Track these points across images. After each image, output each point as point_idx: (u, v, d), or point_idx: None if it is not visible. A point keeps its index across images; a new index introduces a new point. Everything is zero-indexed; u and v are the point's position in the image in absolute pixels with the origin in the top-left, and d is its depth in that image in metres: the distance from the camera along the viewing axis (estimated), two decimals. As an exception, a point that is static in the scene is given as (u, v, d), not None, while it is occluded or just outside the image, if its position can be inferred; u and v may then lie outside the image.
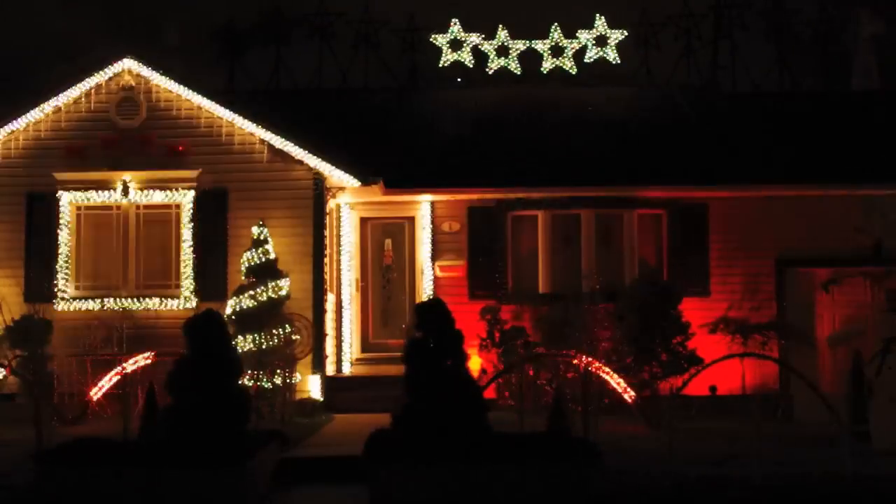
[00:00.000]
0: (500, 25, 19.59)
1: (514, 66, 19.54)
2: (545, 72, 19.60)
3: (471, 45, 19.52)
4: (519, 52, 19.50)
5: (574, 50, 19.60)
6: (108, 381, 12.56)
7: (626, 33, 19.66)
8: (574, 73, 19.58)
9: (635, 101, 19.14)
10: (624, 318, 14.24)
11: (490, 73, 19.44)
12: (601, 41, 19.52)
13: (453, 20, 19.58)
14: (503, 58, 19.48)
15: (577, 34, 19.58)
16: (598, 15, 19.57)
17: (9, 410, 12.99)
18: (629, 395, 12.62)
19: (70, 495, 8.62)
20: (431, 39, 19.85)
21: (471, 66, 19.48)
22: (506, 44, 19.68)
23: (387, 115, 18.38)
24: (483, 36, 19.64)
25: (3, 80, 26.23)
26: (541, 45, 19.65)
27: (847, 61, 20.04)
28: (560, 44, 19.71)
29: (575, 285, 14.95)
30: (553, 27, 19.58)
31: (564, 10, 20.94)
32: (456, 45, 19.60)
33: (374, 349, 15.97)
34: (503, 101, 18.86)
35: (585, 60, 19.58)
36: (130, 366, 12.28)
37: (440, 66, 19.61)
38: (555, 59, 19.72)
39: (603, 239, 15.65)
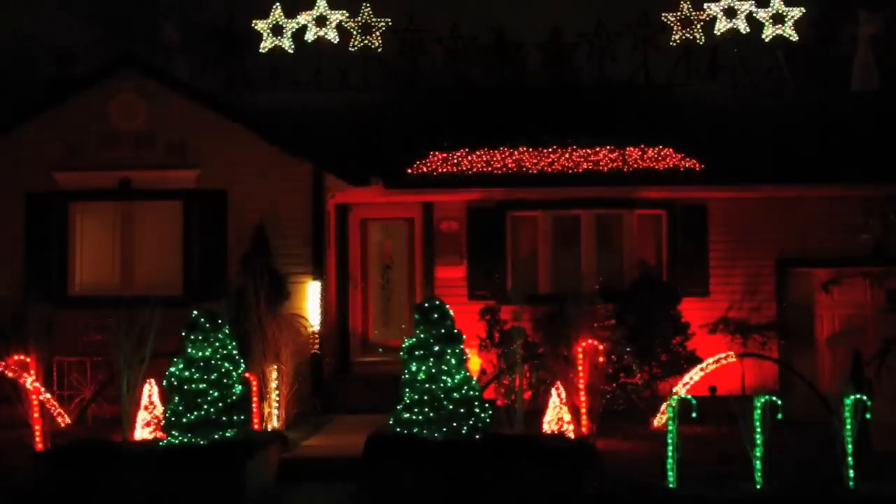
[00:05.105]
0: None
1: None
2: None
3: None
4: None
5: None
6: (107, 382, 12.54)
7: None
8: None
9: (635, 100, 19.13)
10: (623, 318, 14.25)
11: None
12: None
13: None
14: None
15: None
16: None
17: (8, 412, 12.97)
18: (628, 396, 12.62)
19: (70, 496, 8.63)
20: None
21: None
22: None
23: (387, 116, 18.35)
24: None
25: (4, 80, 26.24)
26: None
27: (846, 61, 20.01)
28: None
29: (575, 286, 14.93)
30: None
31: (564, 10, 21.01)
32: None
33: (374, 349, 15.96)
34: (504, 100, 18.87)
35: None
36: (130, 366, 12.23)
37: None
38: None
39: (603, 239, 15.68)
